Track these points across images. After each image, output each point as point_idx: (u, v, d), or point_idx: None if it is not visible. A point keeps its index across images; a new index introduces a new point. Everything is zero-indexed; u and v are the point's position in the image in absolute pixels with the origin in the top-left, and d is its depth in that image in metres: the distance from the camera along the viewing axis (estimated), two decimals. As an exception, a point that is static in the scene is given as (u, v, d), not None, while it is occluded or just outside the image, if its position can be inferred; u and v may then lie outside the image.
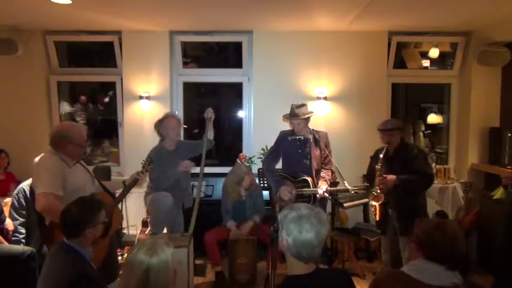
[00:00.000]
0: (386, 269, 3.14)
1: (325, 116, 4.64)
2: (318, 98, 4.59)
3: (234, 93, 5.23)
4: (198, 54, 5.41)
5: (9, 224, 3.33)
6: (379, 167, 3.06)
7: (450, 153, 5.01)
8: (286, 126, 3.76)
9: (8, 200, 3.57)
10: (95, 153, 5.34)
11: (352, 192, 3.27)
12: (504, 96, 4.60)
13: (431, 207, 4.35)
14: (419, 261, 1.67)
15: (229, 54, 5.45)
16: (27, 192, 3.36)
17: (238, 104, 5.05)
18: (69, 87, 5.29)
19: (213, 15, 4.07)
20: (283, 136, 3.47)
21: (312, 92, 4.64)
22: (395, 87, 4.99)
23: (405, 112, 5.75)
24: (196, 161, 3.49)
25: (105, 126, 5.36)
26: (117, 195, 2.79)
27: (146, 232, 4.01)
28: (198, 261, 3.97)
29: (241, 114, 5.05)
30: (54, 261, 1.94)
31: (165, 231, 3.42)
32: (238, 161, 4.39)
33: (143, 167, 2.86)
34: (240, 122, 5.06)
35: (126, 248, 4.25)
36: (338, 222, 4.40)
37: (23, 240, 3.34)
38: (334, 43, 4.62)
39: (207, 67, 5.16)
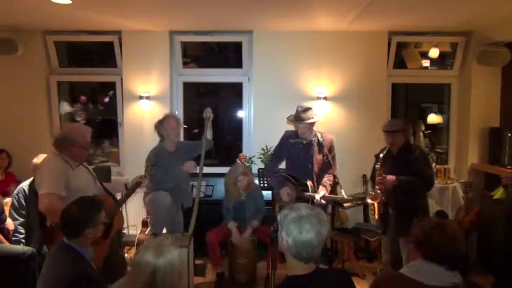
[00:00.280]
0: (387, 270, 3.14)
1: (325, 116, 4.62)
2: (318, 98, 4.58)
3: (234, 93, 5.23)
4: (198, 54, 5.41)
5: (9, 223, 3.33)
6: (379, 166, 3.08)
7: (450, 153, 5.00)
8: (287, 127, 3.75)
9: (8, 200, 3.57)
10: (95, 153, 5.33)
11: (349, 203, 3.28)
12: (504, 96, 4.60)
13: (431, 207, 4.33)
14: (418, 262, 1.66)
15: (229, 54, 5.44)
16: (27, 192, 3.35)
17: (238, 104, 5.04)
18: (69, 87, 5.29)
19: (213, 15, 4.07)
20: (287, 137, 3.43)
21: (312, 92, 4.63)
22: (395, 87, 4.98)
23: (405, 112, 5.74)
24: (196, 161, 3.49)
25: (105, 126, 5.34)
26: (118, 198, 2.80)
27: (146, 232, 4.02)
28: (198, 261, 3.97)
29: (241, 114, 5.04)
30: (54, 261, 1.93)
31: (164, 231, 3.42)
32: (238, 161, 4.39)
33: (146, 171, 2.87)
34: (240, 122, 5.06)
35: (126, 247, 4.25)
36: (338, 222, 4.40)
37: (23, 240, 3.34)
38: (334, 43, 4.62)
39: (207, 67, 5.16)
